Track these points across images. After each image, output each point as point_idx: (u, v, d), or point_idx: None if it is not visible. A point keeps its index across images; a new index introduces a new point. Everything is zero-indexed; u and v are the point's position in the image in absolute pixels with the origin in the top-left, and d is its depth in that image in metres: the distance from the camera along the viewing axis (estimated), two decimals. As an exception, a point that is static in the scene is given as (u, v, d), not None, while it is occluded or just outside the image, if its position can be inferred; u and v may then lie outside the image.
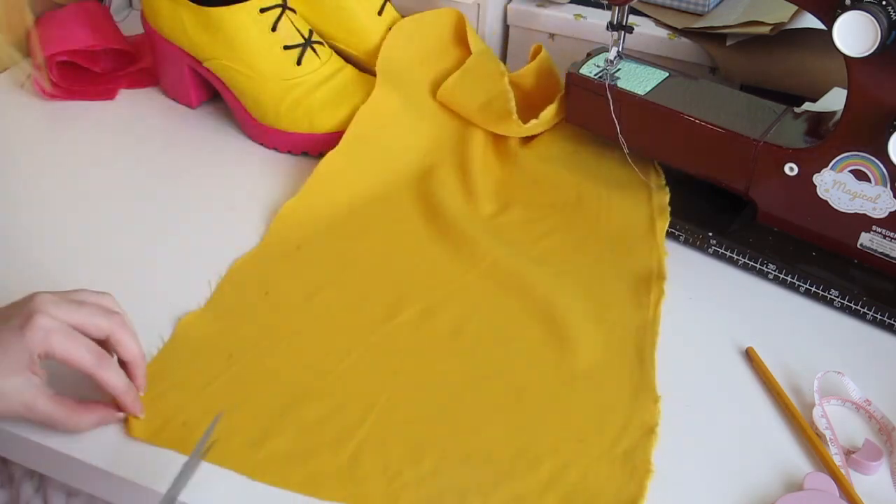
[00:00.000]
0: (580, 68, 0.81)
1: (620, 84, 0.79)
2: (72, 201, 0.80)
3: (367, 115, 0.83)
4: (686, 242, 0.77)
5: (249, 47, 0.84)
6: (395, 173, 0.82)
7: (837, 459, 0.59)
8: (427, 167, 0.83)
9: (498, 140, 0.86)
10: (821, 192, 0.70)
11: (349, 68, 0.89)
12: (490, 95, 0.84)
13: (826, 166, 0.69)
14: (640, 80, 0.80)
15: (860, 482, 0.58)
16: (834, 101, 0.77)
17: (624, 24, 0.79)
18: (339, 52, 0.90)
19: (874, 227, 0.69)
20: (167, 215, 0.79)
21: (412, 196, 0.81)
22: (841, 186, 0.69)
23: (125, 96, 0.94)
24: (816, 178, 0.70)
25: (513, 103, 0.82)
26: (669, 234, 0.77)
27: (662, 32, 0.92)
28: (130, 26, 1.01)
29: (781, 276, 0.72)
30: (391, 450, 0.59)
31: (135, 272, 0.72)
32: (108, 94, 0.94)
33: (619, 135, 0.79)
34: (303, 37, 0.86)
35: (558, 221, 0.78)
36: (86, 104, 0.92)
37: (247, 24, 0.84)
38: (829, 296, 0.71)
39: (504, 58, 1.02)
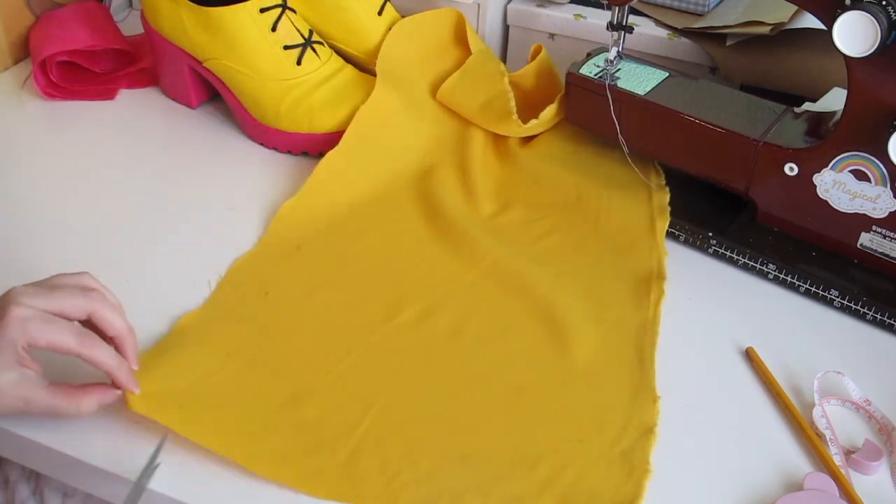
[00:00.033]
0: (580, 68, 0.81)
1: (620, 84, 0.79)
2: (72, 201, 0.80)
3: (367, 115, 0.83)
4: (686, 242, 0.77)
5: (249, 47, 0.84)
6: (395, 173, 0.82)
7: (837, 459, 0.59)
8: (427, 167, 0.83)
9: (498, 140, 0.86)
10: (821, 192, 0.70)
11: (349, 68, 0.89)
12: (490, 95, 0.84)
13: (826, 166, 0.69)
14: (640, 80, 0.80)
15: (860, 482, 0.58)
16: (834, 101, 0.77)
17: (624, 24, 0.79)
18: (339, 52, 0.90)
19: (874, 227, 0.69)
20: (167, 215, 0.79)
21: (412, 196, 0.81)
22: (841, 186, 0.69)
23: (125, 96, 0.94)
24: (816, 178, 0.70)
25: (513, 103, 0.82)
26: (669, 234, 0.77)
27: (662, 32, 0.92)
28: (130, 26, 1.01)
29: (781, 276, 0.72)
30: (390, 449, 0.59)
31: (135, 272, 0.72)
32: (108, 94, 0.94)
33: (619, 135, 0.79)
34: (303, 37, 0.86)
35: (558, 221, 0.78)
36: (86, 104, 0.92)
37: (247, 23, 0.84)
38: (829, 296, 0.71)
39: (504, 58, 1.02)
